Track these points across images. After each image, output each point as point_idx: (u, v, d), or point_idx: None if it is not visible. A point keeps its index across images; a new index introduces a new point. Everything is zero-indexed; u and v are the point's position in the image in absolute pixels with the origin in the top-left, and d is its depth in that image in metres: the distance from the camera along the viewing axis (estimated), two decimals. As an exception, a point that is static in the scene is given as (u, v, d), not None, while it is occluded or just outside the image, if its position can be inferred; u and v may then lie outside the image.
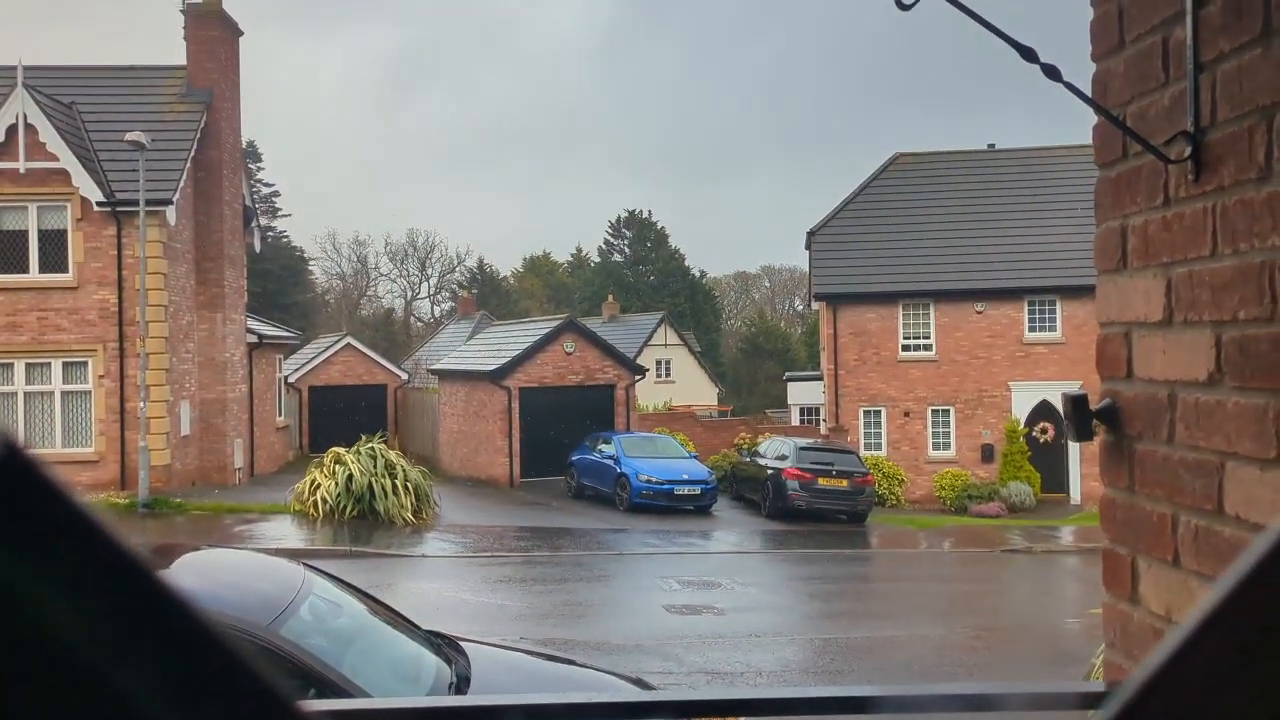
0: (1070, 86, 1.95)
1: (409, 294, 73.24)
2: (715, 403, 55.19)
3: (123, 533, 0.33)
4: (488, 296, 65.54)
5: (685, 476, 24.21)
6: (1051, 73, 1.93)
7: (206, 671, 0.33)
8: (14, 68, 21.99)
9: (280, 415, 32.70)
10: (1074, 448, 28.79)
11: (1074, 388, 2.28)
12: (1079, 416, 2.22)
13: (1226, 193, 1.84)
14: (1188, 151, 1.91)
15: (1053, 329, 30.33)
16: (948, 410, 30.85)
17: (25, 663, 0.29)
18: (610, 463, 24.97)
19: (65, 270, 22.53)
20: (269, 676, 0.36)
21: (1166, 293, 2.02)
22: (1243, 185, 1.79)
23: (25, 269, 22.43)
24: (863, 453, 28.19)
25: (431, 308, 73.87)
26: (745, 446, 28.79)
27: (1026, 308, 30.60)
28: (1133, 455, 2.14)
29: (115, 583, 0.31)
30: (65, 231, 22.55)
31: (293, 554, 13.78)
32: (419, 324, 72.23)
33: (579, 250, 79.75)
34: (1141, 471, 2.09)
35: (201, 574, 6.19)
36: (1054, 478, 29.82)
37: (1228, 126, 1.83)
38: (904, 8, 1.87)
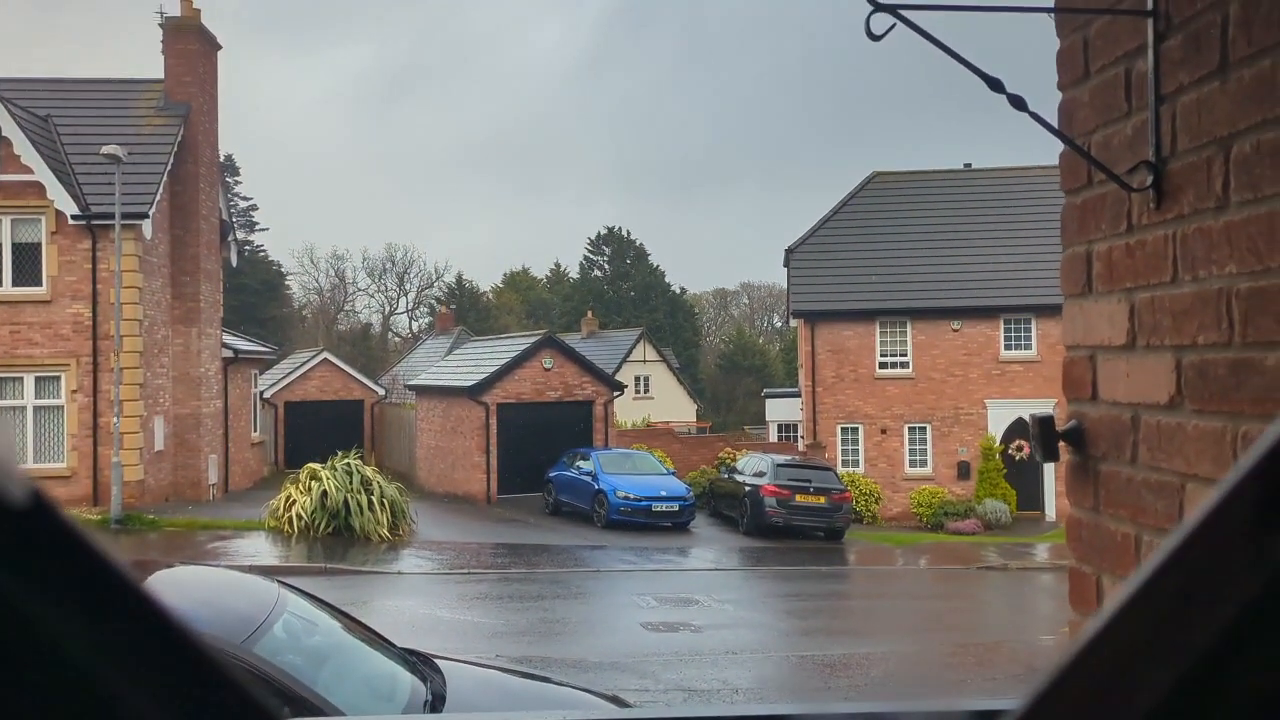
0: (1036, 116, 2.00)
1: (387, 309, 73.06)
2: (694, 419, 55.22)
3: (128, 568, 0.37)
4: (466, 312, 65.44)
5: (663, 493, 24.21)
6: (1018, 103, 1.98)
7: (205, 693, 0.37)
8: (-11, 80, 21.88)
9: (255, 431, 32.50)
10: (1049, 466, 28.94)
11: (1049, 406, 2.33)
12: (1045, 437, 2.27)
13: (1186, 221, 1.89)
14: (1149, 180, 1.96)
15: (1028, 347, 30.57)
16: (924, 428, 31.01)
17: (50, 689, 0.33)
18: (588, 479, 24.94)
19: (39, 284, 22.37)
20: (259, 697, 0.39)
21: (1130, 317, 2.06)
22: (1202, 214, 1.84)
23: (-1, 282, 22.27)
24: (840, 469, 28.29)
25: (410, 323, 73.72)
26: (725, 463, 28.83)
27: (1002, 326, 30.84)
28: (1098, 476, 2.18)
29: (125, 614, 0.35)
30: (39, 245, 22.40)
31: (267, 571, 13.71)
32: (397, 339, 72.02)
33: (558, 266, 79.82)
34: (1106, 492, 2.13)
35: (175, 591, 6.16)
36: (1029, 495, 29.99)
37: (1187, 157, 1.88)
38: (875, 38, 1.91)
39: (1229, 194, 1.77)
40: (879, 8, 1.86)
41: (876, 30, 1.89)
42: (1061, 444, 2.29)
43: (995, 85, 1.96)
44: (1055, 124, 2.32)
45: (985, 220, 32.54)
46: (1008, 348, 30.86)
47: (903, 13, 1.85)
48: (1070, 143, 2.18)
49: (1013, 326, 30.81)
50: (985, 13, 2.11)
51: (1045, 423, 2.27)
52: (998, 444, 30.16)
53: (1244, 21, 1.73)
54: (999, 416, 30.30)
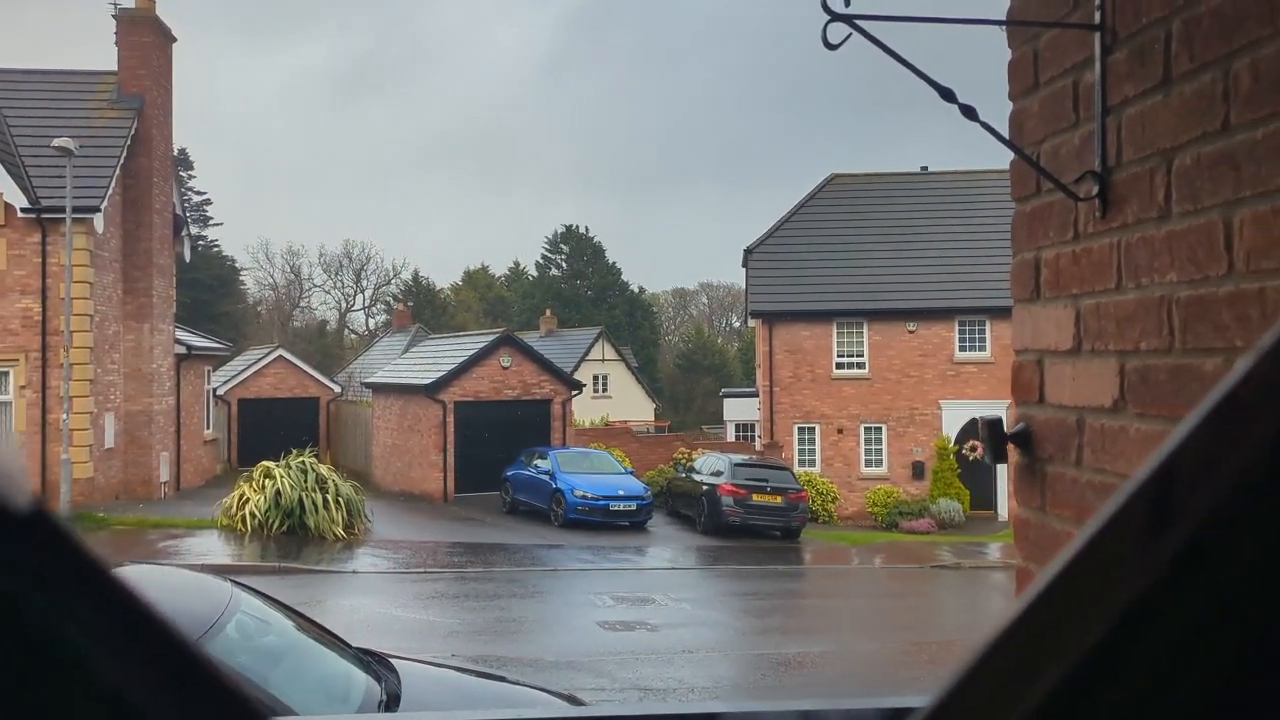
0: (986, 126, 2.04)
1: (343, 306, 72.48)
2: (652, 418, 55.32)
3: (124, 577, 0.39)
4: (424, 309, 65.08)
5: (621, 492, 24.23)
6: (969, 112, 2.02)
7: (199, 693, 0.39)
8: (-64, 69, 21.45)
9: (208, 428, 32.12)
10: (1001, 467, 29.33)
11: (1002, 407, 2.38)
12: (994, 439, 2.31)
13: (1130, 230, 1.94)
14: (1095, 190, 2.01)
15: (982, 349, 30.93)
16: (880, 428, 31.29)
17: (57, 688, 0.35)
18: (546, 478, 24.92)
19: (-13, 278, 21.96)
20: (249, 697, 0.41)
21: (1076, 323, 2.11)
22: (1145, 224, 1.89)
23: (-55, 276, 21.84)
24: (797, 469, 28.46)
25: (366, 320, 73.19)
26: (682, 462, 28.91)
27: (957, 328, 31.18)
28: (1044, 477, 2.23)
29: (121, 616, 0.38)
30: (-13, 238, 21.99)
31: (219, 570, 13.56)
32: (353, 336, 71.46)
33: (517, 264, 79.62)
34: (1052, 493, 2.18)
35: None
36: (982, 495, 30.36)
37: (1131, 167, 1.94)
38: (831, 47, 1.95)
39: (1171, 205, 1.82)
40: (835, 17, 1.89)
41: (833, 40, 1.93)
42: (1010, 445, 2.34)
43: (947, 95, 2.00)
44: (1006, 132, 2.37)
45: (941, 223, 32.88)
46: (962, 349, 31.21)
47: (858, 23, 1.89)
48: (1019, 152, 2.22)
49: (967, 328, 31.17)
50: (940, 24, 2.15)
51: (994, 425, 2.32)
52: (952, 444, 30.49)
53: (1186, 37, 1.78)
54: (953, 417, 30.64)
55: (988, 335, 30.86)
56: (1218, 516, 0.30)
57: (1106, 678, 0.31)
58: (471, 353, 29.63)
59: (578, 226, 75.16)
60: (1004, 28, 2.29)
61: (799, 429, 31.31)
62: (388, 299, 70.59)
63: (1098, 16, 1.99)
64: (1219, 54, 1.70)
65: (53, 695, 0.35)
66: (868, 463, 31.22)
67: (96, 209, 22.24)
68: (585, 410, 42.58)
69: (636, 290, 75.08)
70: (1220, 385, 0.33)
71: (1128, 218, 1.95)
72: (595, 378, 54.13)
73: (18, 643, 0.34)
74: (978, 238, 31.65)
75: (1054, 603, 0.33)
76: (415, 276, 71.48)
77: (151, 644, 0.39)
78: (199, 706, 0.39)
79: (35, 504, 0.35)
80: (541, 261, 75.90)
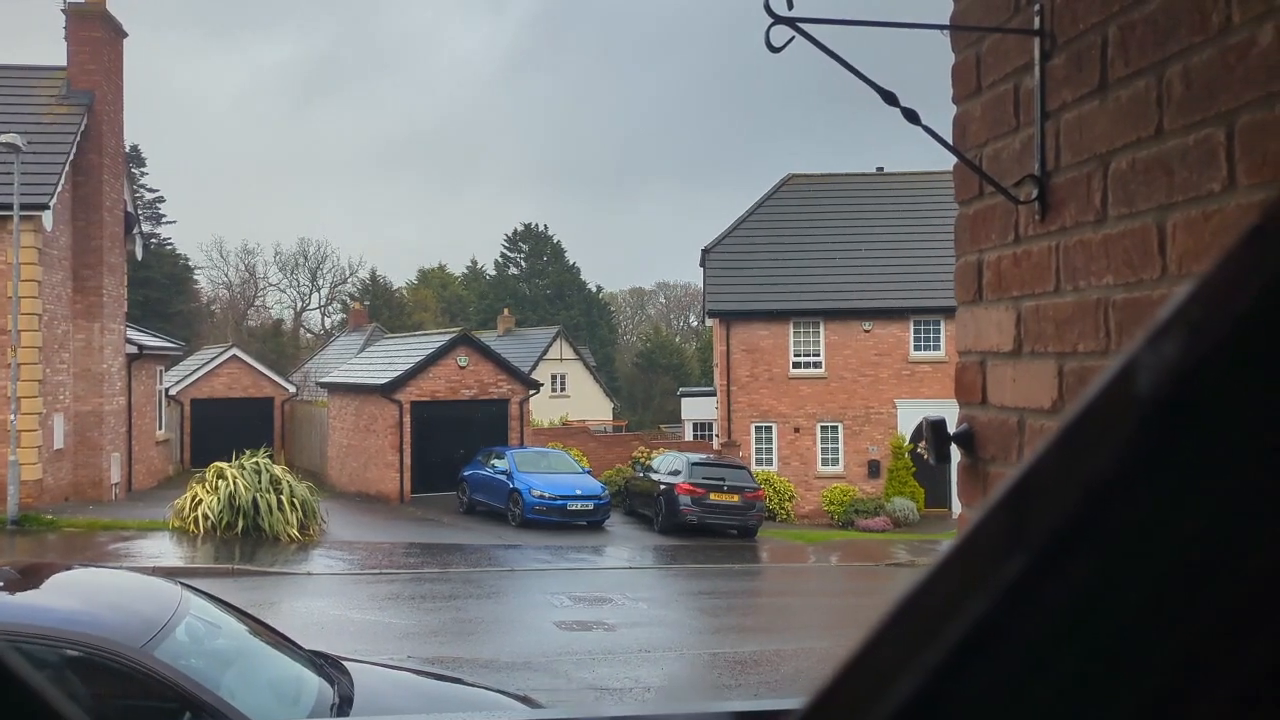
0: (928, 130, 2.06)
1: (299, 305, 71.75)
2: (610, 417, 55.31)
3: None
4: (380, 309, 64.59)
5: (578, 492, 24.19)
6: (911, 116, 2.04)
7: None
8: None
9: (161, 429, 31.68)
10: (955, 465, 29.68)
11: (954, 407, 2.40)
12: (938, 440, 2.34)
13: (1068, 233, 1.97)
14: (1035, 193, 2.04)
15: (937, 348, 31.23)
16: (836, 427, 31.50)
17: None
18: (503, 478, 24.82)
19: (-70, 276, 21.50)
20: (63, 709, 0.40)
21: (1017, 325, 2.14)
22: (1082, 227, 1.92)
23: (-114, 274, 21.36)
24: (754, 468, 28.57)
25: (322, 319, 72.51)
26: (640, 461, 28.93)
27: (912, 327, 31.46)
28: (986, 477, 2.26)
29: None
30: (-69, 235, 21.53)
31: (171, 573, 13.39)
32: (309, 336, 70.76)
33: (474, 263, 79.28)
34: (993, 494, 2.20)
35: (73, 594, 6.00)
36: (937, 493, 30.65)
37: (1069, 171, 1.96)
38: (774, 50, 1.96)
39: (1107, 208, 1.85)
40: (778, 20, 1.90)
41: (776, 42, 1.94)
42: (954, 446, 2.37)
43: (890, 99, 2.01)
44: (951, 135, 2.39)
45: (897, 223, 33.17)
46: (917, 349, 31.50)
47: (801, 26, 1.90)
48: (960, 155, 2.25)
49: (922, 328, 31.46)
50: (884, 28, 2.17)
51: (937, 426, 2.34)
52: (907, 443, 30.76)
53: (1122, 43, 1.81)
54: (908, 416, 30.90)
55: (942, 335, 31.17)
56: (1066, 530, 0.32)
57: (957, 686, 0.32)
58: (428, 352, 29.45)
59: (537, 225, 75.08)
60: (946, 33, 2.31)
61: (756, 428, 31.45)
62: (344, 298, 69.99)
63: (1037, 22, 2.02)
64: (1153, 60, 1.72)
65: None
66: (824, 461, 31.43)
67: (45, 206, 21.86)
68: (543, 410, 42.51)
69: (594, 289, 75.06)
70: (1077, 402, 0.35)
71: (1066, 221, 1.97)
72: (553, 377, 54.05)
73: None
74: (933, 238, 31.94)
75: (916, 610, 0.35)
76: (372, 275, 70.97)
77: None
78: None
79: None
80: (500, 260, 75.68)
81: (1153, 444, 0.32)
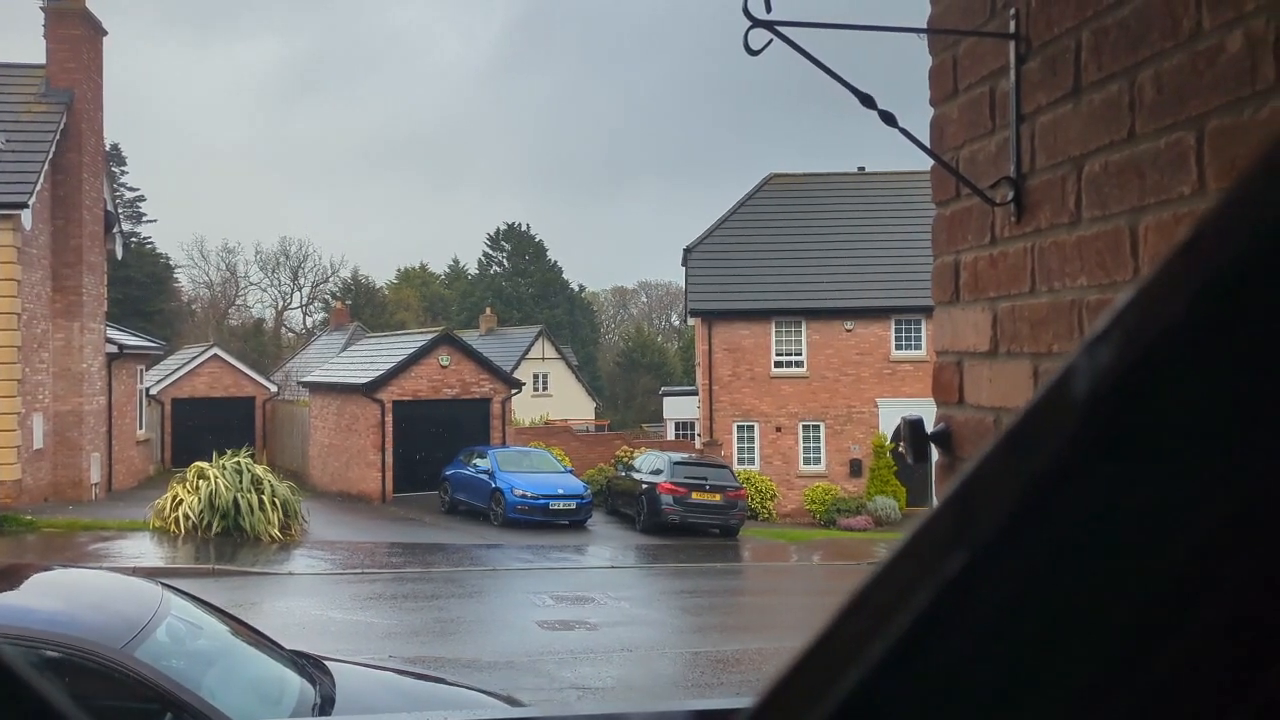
0: (905, 132, 2.09)
1: (280, 304, 71.40)
2: (592, 417, 55.29)
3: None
4: (362, 308, 64.36)
5: (560, 491, 24.19)
6: (888, 119, 2.06)
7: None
8: None
9: (141, 428, 31.49)
10: (934, 464, 29.82)
11: (935, 407, 2.43)
12: (916, 439, 2.36)
13: (1043, 235, 1.99)
14: (1010, 195, 2.06)
15: (918, 347, 31.35)
16: (818, 426, 31.59)
17: None
18: (485, 477, 24.79)
19: (-93, 274, 21.32)
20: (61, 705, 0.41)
21: (993, 325, 2.16)
22: (1057, 229, 1.95)
23: None
24: (736, 467, 28.63)
25: (304, 318, 72.17)
26: (622, 461, 28.94)
27: (893, 326, 31.58)
28: (964, 476, 2.28)
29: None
30: (-92, 234, 21.34)
31: (151, 573, 13.32)
32: (290, 335, 70.45)
33: (456, 262, 79.12)
34: (942, 492, 2.23)
35: (53, 595, 5.97)
36: (918, 492, 30.76)
37: (1044, 174, 1.99)
38: (753, 53, 1.98)
39: (1081, 210, 1.88)
40: (756, 23, 1.92)
41: (754, 45, 1.96)
42: (932, 445, 2.39)
43: (867, 101, 2.03)
44: (928, 136, 2.42)
45: (878, 223, 33.28)
46: (898, 348, 31.62)
47: (779, 29, 1.92)
48: (936, 158, 2.27)
49: (903, 327, 31.58)
50: (862, 30, 2.19)
51: (915, 425, 2.37)
52: (888, 442, 30.87)
53: (1095, 48, 1.83)
54: (890, 415, 31.01)
55: (923, 334, 31.29)
56: (1007, 526, 0.34)
57: (900, 678, 0.34)
58: (410, 351, 29.38)
59: (519, 224, 74.97)
60: (922, 36, 2.34)
61: (738, 427, 31.51)
62: (325, 297, 69.73)
63: (1013, 26, 2.05)
64: (1125, 65, 1.75)
65: None
66: (806, 460, 31.51)
67: (24, 205, 21.69)
68: (525, 409, 42.48)
69: (577, 289, 75.04)
70: (1023, 406, 0.37)
71: (1041, 223, 2.00)
72: (535, 376, 54.00)
73: None
74: (914, 237, 32.09)
75: (864, 605, 0.36)
76: (354, 274, 70.73)
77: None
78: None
79: None
80: (483, 259, 75.54)
81: (1087, 445, 0.34)
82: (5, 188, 20.59)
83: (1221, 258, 0.34)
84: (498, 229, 75.18)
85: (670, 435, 40.72)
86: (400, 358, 29.18)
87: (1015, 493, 0.34)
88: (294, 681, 6.12)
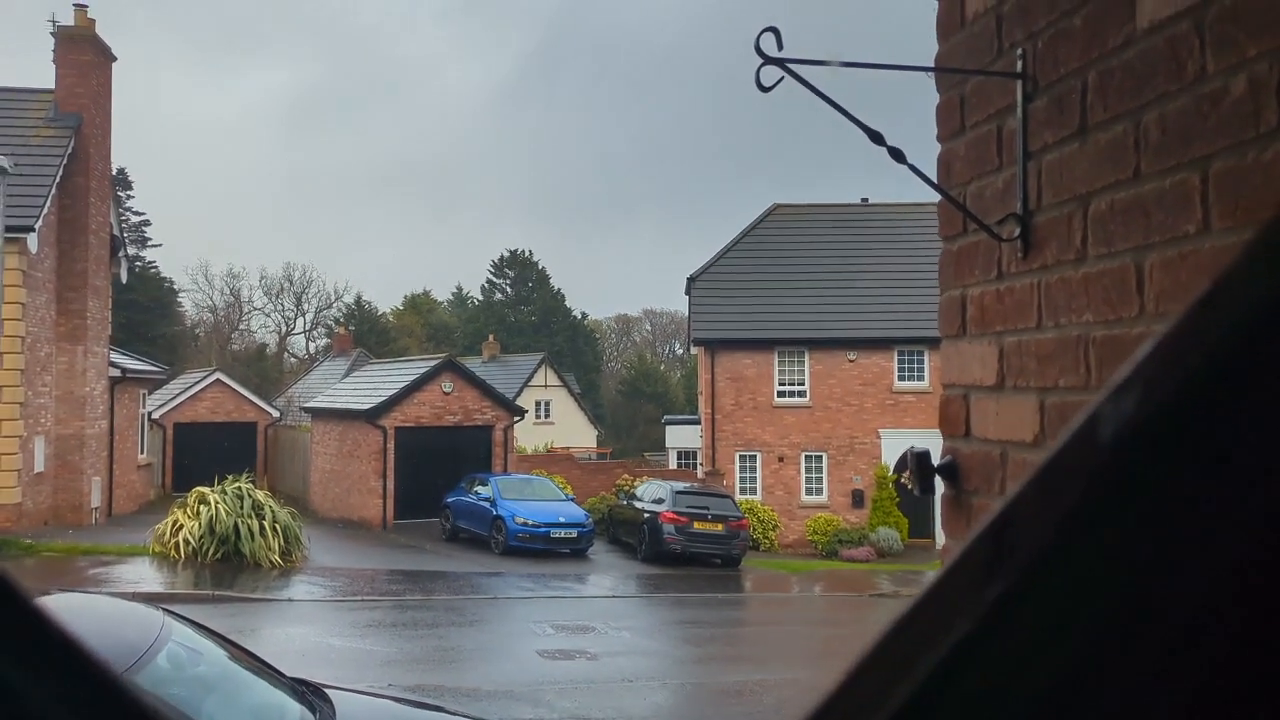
0: (913, 168, 2.11)
1: (283, 329, 71.53)
2: (595, 445, 55.24)
3: (43, 606, 0.41)
4: (365, 334, 64.45)
5: (562, 519, 24.13)
6: (897, 155, 2.09)
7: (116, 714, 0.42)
8: None
9: (142, 453, 31.48)
10: (939, 496, 29.77)
11: (938, 437, 2.44)
12: (922, 471, 2.37)
13: (1050, 271, 2.01)
14: (1017, 231, 2.09)
15: (921, 379, 31.36)
16: (820, 456, 31.55)
17: None
18: (486, 505, 24.74)
19: (-87, 297, 21.39)
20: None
21: (999, 359, 2.18)
22: (1063, 265, 1.97)
23: None
24: (738, 497, 28.57)
25: (307, 344, 72.27)
26: (624, 489, 28.88)
27: (896, 357, 31.59)
28: (970, 509, 2.30)
29: (46, 647, 0.40)
30: (-85, 256, 21.44)
31: (151, 598, 13.29)
32: (293, 360, 70.52)
33: (460, 289, 79.36)
34: (979, 525, 2.24)
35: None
36: (921, 523, 30.69)
37: (1051, 211, 2.01)
38: (764, 89, 2.01)
39: (1087, 248, 1.90)
40: (768, 61, 1.95)
41: (766, 82, 1.99)
42: (939, 477, 2.41)
43: (876, 138, 2.06)
44: (937, 172, 2.45)
45: (881, 254, 33.38)
46: (901, 379, 31.62)
47: (790, 67, 1.95)
48: (944, 194, 2.30)
49: (906, 358, 31.59)
50: (871, 69, 2.22)
51: (922, 457, 2.38)
52: (891, 473, 30.81)
53: (1100, 88, 1.86)
54: (892, 446, 30.98)
55: (926, 365, 31.30)
56: (1041, 557, 0.37)
57: (940, 699, 0.37)
58: (413, 378, 29.41)
59: (523, 252, 75.19)
60: (930, 75, 2.37)
61: (740, 457, 31.47)
62: (329, 323, 69.85)
63: (1020, 65, 2.08)
64: (1130, 106, 1.78)
65: None
66: (808, 491, 31.45)
67: (31, 228, 21.80)
68: (528, 436, 42.45)
69: (579, 316, 75.14)
70: (1053, 445, 0.40)
71: (1048, 259, 2.02)
72: (538, 404, 53.98)
73: None
74: (917, 269, 32.14)
75: (904, 634, 0.39)
76: (357, 300, 70.87)
77: (74, 671, 0.41)
78: None
79: None
80: (486, 287, 75.72)
81: (1112, 488, 0.37)
82: (12, 211, 20.69)
83: (1239, 311, 0.37)
84: (501, 256, 75.45)
85: (672, 464, 40.65)
86: (403, 384, 29.20)
87: (1048, 529, 0.37)
88: (294, 709, 6.10)
